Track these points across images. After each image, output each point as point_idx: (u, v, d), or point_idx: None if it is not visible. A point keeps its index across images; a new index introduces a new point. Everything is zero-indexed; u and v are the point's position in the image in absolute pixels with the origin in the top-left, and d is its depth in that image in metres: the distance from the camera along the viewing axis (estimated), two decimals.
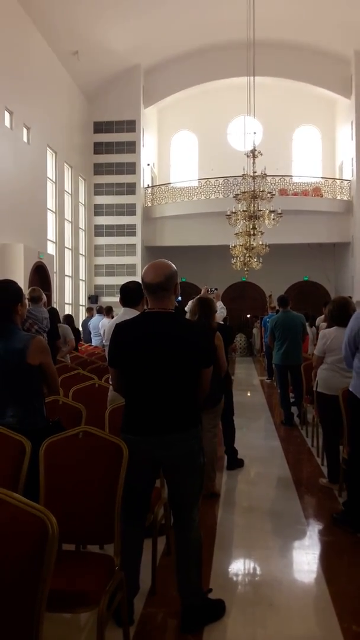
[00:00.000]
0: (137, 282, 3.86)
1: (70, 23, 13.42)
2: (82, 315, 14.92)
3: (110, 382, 3.54)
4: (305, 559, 3.26)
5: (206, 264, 18.60)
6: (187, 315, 4.56)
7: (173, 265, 2.46)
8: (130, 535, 2.45)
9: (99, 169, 17.54)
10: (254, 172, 12.82)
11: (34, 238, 12.49)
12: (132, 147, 17.34)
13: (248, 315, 19.63)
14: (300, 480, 4.70)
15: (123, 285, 3.93)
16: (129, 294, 3.82)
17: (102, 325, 9.03)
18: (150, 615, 2.58)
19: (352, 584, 2.91)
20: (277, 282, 18.08)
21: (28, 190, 12.21)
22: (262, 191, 12.97)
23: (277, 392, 7.78)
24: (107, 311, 9.94)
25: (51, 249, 14.20)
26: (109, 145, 17.47)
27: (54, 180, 14.55)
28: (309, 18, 14.93)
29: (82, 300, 16.93)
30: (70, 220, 15.92)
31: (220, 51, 16.77)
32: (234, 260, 15.06)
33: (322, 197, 17.43)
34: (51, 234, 14.37)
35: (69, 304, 15.65)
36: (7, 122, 11.43)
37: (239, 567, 3.20)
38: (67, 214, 15.68)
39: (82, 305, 16.48)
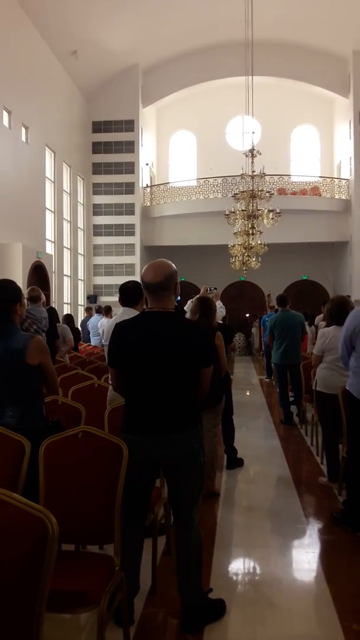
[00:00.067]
0: (137, 282, 3.85)
1: (69, 23, 13.41)
2: (81, 315, 14.92)
3: (110, 382, 3.54)
4: (305, 558, 3.26)
5: (205, 264, 18.60)
6: (188, 315, 4.55)
7: (173, 265, 2.45)
8: (130, 535, 2.44)
9: (97, 169, 17.53)
10: (253, 171, 12.83)
11: (33, 237, 12.48)
12: (130, 146, 17.33)
13: (247, 315, 19.63)
14: (299, 479, 4.70)
15: (122, 284, 3.92)
16: (128, 293, 3.81)
17: (101, 325, 9.01)
18: (151, 615, 2.57)
19: (353, 582, 2.91)
20: (276, 281, 18.08)
21: (26, 189, 12.20)
22: (261, 190, 12.97)
23: (276, 391, 7.78)
24: (106, 311, 9.92)
25: (50, 248, 14.19)
26: (108, 145, 17.46)
27: (52, 179, 14.54)
28: (307, 18, 14.94)
29: (81, 300, 16.92)
30: (69, 219, 15.91)
31: (219, 51, 16.77)
32: (233, 260, 15.07)
33: (320, 196, 17.45)
34: (50, 233, 14.36)
35: (67, 303, 15.64)
36: (5, 122, 11.42)
37: (239, 566, 3.20)
38: (66, 214, 15.67)
39: (81, 305, 16.48)
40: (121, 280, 4.75)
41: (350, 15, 14.46)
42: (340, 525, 3.56)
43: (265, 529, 3.70)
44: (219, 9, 14.44)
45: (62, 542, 2.26)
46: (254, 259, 14.50)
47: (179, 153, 20.30)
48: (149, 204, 18.03)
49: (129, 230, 17.46)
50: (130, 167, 17.37)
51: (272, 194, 13.62)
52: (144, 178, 18.05)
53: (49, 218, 14.33)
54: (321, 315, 8.35)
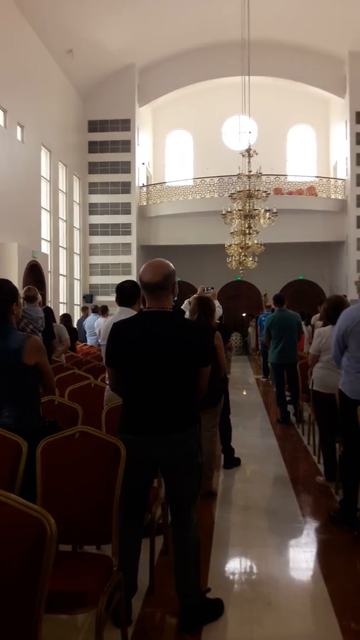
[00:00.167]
0: (133, 282, 3.85)
1: (65, 22, 13.38)
2: (77, 314, 14.89)
3: (107, 382, 3.53)
4: (303, 557, 3.26)
5: (201, 263, 18.61)
6: (186, 315, 4.54)
7: (171, 265, 2.45)
8: (128, 535, 2.44)
9: (93, 168, 17.50)
10: (249, 171, 12.84)
11: (28, 237, 12.45)
12: (126, 146, 17.31)
13: (243, 314, 19.65)
14: (297, 478, 4.70)
15: (119, 284, 3.91)
16: (125, 293, 3.80)
17: (97, 325, 8.99)
18: (149, 615, 2.57)
19: (350, 581, 2.92)
20: (272, 281, 18.11)
21: (22, 189, 12.17)
22: (257, 190, 12.98)
23: (273, 390, 7.79)
24: (103, 310, 9.90)
25: (45, 248, 14.15)
26: (104, 144, 17.44)
27: (48, 179, 14.50)
28: (304, 18, 14.96)
29: (77, 299, 16.89)
30: (64, 219, 15.87)
31: (215, 50, 16.77)
32: (230, 259, 15.07)
33: (316, 196, 17.48)
34: (45, 232, 14.32)
35: (63, 303, 15.61)
36: (1, 121, 11.39)
37: (236, 565, 3.20)
38: (62, 213, 15.64)
39: (77, 305, 16.45)
40: (117, 279, 4.75)
41: (346, 16, 14.49)
42: (337, 524, 3.57)
43: (263, 528, 3.71)
44: (215, 8, 14.44)
45: (60, 543, 2.25)
46: (250, 259, 14.51)
47: (175, 152, 20.29)
48: (145, 204, 18.02)
49: (125, 229, 17.44)
50: (126, 167, 17.35)
51: (269, 193, 13.63)
52: (140, 177, 18.03)
53: (45, 217, 14.29)
54: (318, 315, 8.35)
